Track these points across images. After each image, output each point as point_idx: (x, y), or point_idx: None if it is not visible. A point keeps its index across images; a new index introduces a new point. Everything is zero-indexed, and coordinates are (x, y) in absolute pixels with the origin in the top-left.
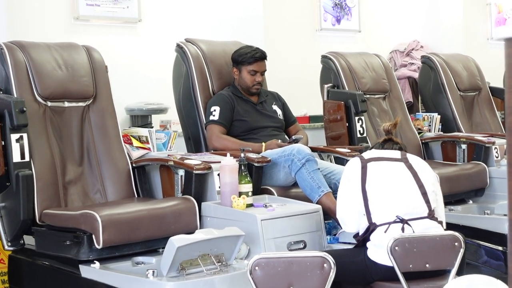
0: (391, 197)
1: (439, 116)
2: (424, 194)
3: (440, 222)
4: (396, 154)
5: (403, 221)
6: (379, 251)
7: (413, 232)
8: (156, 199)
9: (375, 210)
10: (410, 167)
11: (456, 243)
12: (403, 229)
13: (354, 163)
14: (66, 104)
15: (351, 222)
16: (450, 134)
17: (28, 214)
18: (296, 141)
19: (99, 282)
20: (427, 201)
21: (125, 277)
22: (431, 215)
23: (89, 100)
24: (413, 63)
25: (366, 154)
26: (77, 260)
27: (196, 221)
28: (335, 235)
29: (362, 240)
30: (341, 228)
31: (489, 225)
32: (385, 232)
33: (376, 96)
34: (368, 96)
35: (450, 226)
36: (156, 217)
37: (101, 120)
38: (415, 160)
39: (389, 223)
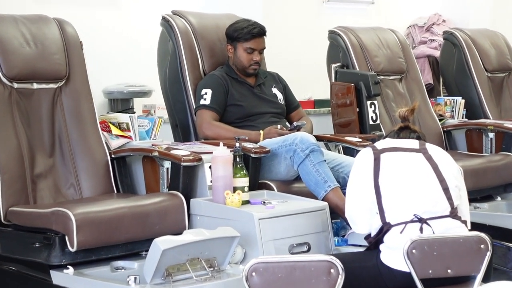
0: (408, 193)
1: (463, 101)
2: (446, 189)
3: (464, 222)
4: (414, 143)
5: (421, 220)
6: (394, 255)
7: (433, 233)
8: (138, 195)
9: (389, 208)
10: (429, 159)
11: (482, 246)
12: (421, 230)
13: (365, 154)
14: (35, 85)
15: (362, 222)
16: (475, 121)
17: None
18: (298, 128)
19: None
20: (449, 198)
21: (103, 284)
22: (454, 214)
23: (61, 81)
24: (433, 40)
25: (379, 144)
26: (48, 265)
27: (184, 220)
28: (343, 236)
29: (375, 242)
30: (351, 228)
31: None
32: (401, 233)
33: (391, 77)
34: (382, 77)
35: (475, 226)
36: (139, 216)
37: (75, 104)
38: (436, 151)
39: (406, 223)
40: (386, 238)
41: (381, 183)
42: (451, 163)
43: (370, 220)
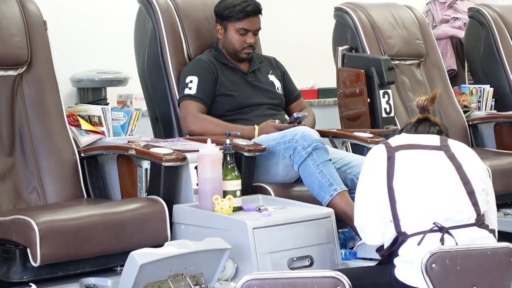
0: (427, 198)
1: (491, 89)
2: (471, 193)
3: (492, 231)
4: (434, 139)
5: (442, 229)
6: (410, 270)
7: (456, 244)
8: (112, 200)
9: (405, 215)
10: (452, 158)
11: None
12: (442, 241)
13: (377, 153)
14: None
15: (373, 232)
16: (506, 113)
17: None
18: (299, 121)
19: None
20: (475, 203)
21: None
22: (480, 222)
23: (22, 68)
24: (457, 18)
25: (394, 140)
26: (7, 282)
27: (165, 230)
28: (352, 248)
29: (388, 255)
30: (360, 239)
31: None
32: (419, 244)
33: (408, 62)
34: (397, 62)
35: (504, 236)
36: (112, 225)
37: (38, 95)
38: (459, 148)
39: (424, 233)
40: (401, 250)
41: (395, 186)
42: (477, 162)
43: (383, 230)
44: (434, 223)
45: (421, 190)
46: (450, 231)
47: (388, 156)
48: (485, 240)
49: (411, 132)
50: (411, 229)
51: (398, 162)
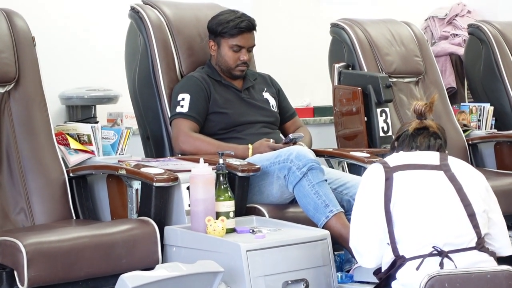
0: (426, 221)
1: (491, 108)
2: (472, 216)
3: (492, 254)
4: (433, 157)
5: (442, 253)
6: None
7: (456, 268)
8: (102, 221)
9: (403, 239)
10: (452, 178)
11: None
12: (441, 265)
13: (374, 173)
14: None
15: (370, 254)
16: (506, 132)
17: None
18: (294, 141)
19: None
20: (476, 226)
21: None
22: (481, 245)
23: (10, 85)
24: (456, 35)
25: (391, 159)
26: None
27: (157, 252)
28: (348, 271)
29: (386, 278)
30: (357, 262)
31: None
32: (417, 268)
33: (406, 79)
34: (395, 79)
35: (504, 259)
36: (102, 247)
37: (26, 113)
38: (460, 167)
39: (423, 257)
40: (399, 274)
41: (393, 209)
42: (479, 181)
43: (380, 252)
44: (433, 247)
45: (420, 213)
46: (450, 255)
47: (386, 177)
48: (486, 263)
49: (408, 142)
50: (409, 252)
51: (397, 184)
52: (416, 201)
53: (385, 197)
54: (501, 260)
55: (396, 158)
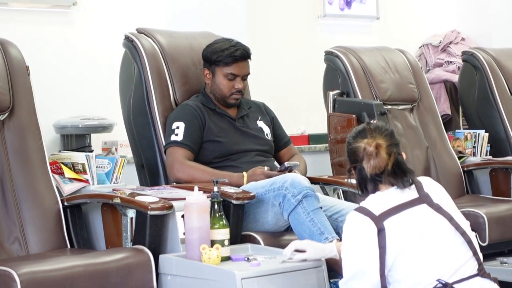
0: (427, 259)
1: (486, 134)
2: (469, 242)
3: (495, 280)
4: (411, 192)
5: (447, 285)
6: None
7: None
8: (96, 250)
9: (405, 280)
10: (439, 209)
11: None
12: None
13: (364, 227)
14: None
15: None
16: (502, 159)
17: None
18: (290, 169)
19: None
20: (475, 252)
21: None
22: (482, 271)
23: (4, 114)
24: (451, 62)
25: (372, 205)
26: None
27: (151, 280)
28: None
29: None
30: None
31: None
32: None
33: (401, 107)
34: (389, 107)
35: (503, 286)
36: (97, 276)
37: (20, 142)
38: (437, 194)
39: None
40: None
41: (390, 257)
42: (454, 204)
43: None
44: (438, 281)
45: (421, 253)
46: (454, 286)
47: (378, 229)
48: None
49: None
50: None
51: (390, 233)
52: (414, 242)
53: (381, 249)
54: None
55: (376, 203)
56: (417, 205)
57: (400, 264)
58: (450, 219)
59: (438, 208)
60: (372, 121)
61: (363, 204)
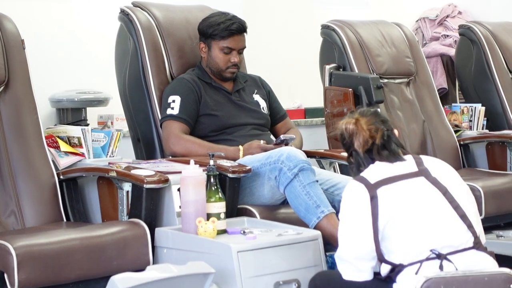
0: (420, 229)
1: (483, 108)
2: (464, 216)
3: (491, 254)
4: (410, 164)
5: (440, 256)
6: None
7: (456, 269)
8: (92, 224)
9: (399, 250)
10: (435, 182)
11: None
12: (441, 267)
13: (358, 194)
14: None
15: (364, 270)
16: (498, 132)
17: None
18: (285, 142)
19: None
20: (470, 226)
21: None
22: (478, 244)
23: None
24: (448, 36)
25: (370, 174)
26: None
27: (147, 254)
28: None
29: (385, 281)
30: None
31: None
32: (417, 273)
33: (397, 80)
34: (386, 80)
35: (499, 259)
36: (93, 249)
37: (16, 115)
38: (438, 169)
39: (421, 262)
40: (399, 278)
41: (383, 226)
42: (459, 180)
43: (365, 267)
44: (431, 251)
45: (413, 223)
46: (449, 257)
47: (370, 196)
48: (485, 263)
49: (367, 165)
50: (407, 260)
51: (382, 201)
52: (406, 212)
53: (373, 217)
54: (500, 262)
55: (374, 172)
56: (414, 177)
57: (393, 235)
58: (445, 192)
59: (434, 182)
60: None
61: (362, 173)
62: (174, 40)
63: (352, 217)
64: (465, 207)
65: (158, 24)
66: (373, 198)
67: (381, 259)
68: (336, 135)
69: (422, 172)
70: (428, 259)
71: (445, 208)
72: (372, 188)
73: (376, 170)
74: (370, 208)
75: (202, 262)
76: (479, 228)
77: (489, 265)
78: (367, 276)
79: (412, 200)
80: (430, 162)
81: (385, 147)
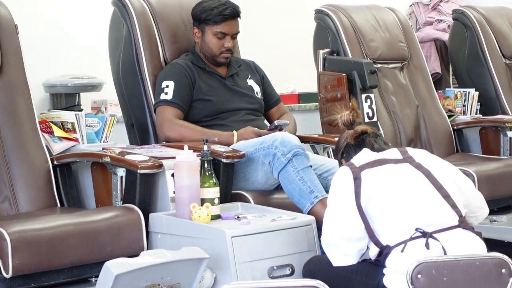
0: (404, 209)
1: (476, 93)
2: (447, 197)
3: (479, 234)
4: (395, 153)
5: (425, 234)
6: (399, 279)
7: (442, 248)
8: (86, 209)
9: (384, 231)
10: (419, 166)
11: (503, 270)
12: (427, 245)
13: (343, 175)
14: None
15: (350, 253)
16: (491, 117)
17: None
18: (279, 128)
19: None
20: (454, 205)
21: None
22: (464, 223)
23: None
24: (441, 21)
25: (357, 159)
26: None
27: (141, 239)
28: None
29: (376, 266)
30: None
31: None
32: (402, 251)
33: (391, 65)
34: (379, 65)
35: (492, 244)
36: (87, 235)
37: (9, 100)
38: (422, 156)
39: (406, 241)
40: (388, 262)
41: (366, 206)
42: (444, 164)
43: (351, 251)
44: (416, 229)
45: (396, 203)
46: (434, 235)
47: (354, 177)
48: (472, 242)
49: (352, 152)
50: (393, 240)
51: (365, 181)
52: (389, 193)
53: (355, 195)
54: (494, 247)
55: (361, 158)
56: (398, 163)
57: (377, 215)
58: (428, 175)
59: (417, 166)
60: None
61: (351, 160)
62: (168, 25)
63: (337, 197)
64: (449, 188)
65: (152, 9)
66: (356, 179)
67: (371, 237)
68: (330, 120)
69: (406, 159)
70: (413, 238)
71: (428, 189)
72: (357, 171)
73: (363, 156)
74: (354, 187)
75: (196, 248)
76: (465, 209)
77: (476, 245)
78: (353, 260)
79: (395, 181)
80: (414, 151)
81: (376, 135)
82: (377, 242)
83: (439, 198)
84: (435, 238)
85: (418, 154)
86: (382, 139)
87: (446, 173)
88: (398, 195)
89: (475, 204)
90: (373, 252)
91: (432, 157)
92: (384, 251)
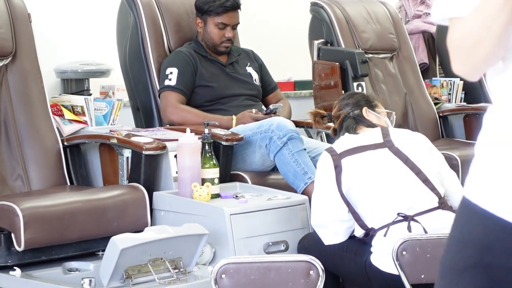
0: (385, 194)
1: (461, 82)
2: (426, 181)
3: None
4: (376, 135)
5: (407, 218)
6: (384, 257)
7: (424, 230)
8: (94, 187)
9: (368, 215)
10: (397, 152)
11: None
12: (409, 228)
13: (324, 162)
14: None
15: (328, 231)
16: (475, 105)
17: None
18: (274, 111)
19: None
20: (433, 188)
21: (54, 287)
22: (444, 204)
23: (7, 59)
24: (429, 14)
25: (339, 145)
26: None
27: (146, 216)
28: None
29: (365, 245)
30: None
31: None
32: (385, 235)
33: (381, 55)
34: (370, 55)
35: None
36: (94, 211)
37: (22, 85)
38: (402, 139)
39: (389, 225)
40: (374, 242)
41: (348, 192)
42: (421, 145)
43: (339, 230)
44: (398, 214)
45: (376, 189)
46: (416, 218)
47: (335, 165)
48: (452, 222)
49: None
50: (377, 223)
51: (345, 169)
52: (369, 180)
53: (337, 182)
54: None
55: (342, 143)
56: (377, 148)
57: (359, 201)
58: (406, 161)
59: (396, 151)
60: None
61: (333, 144)
62: (172, 16)
63: (321, 183)
64: (428, 172)
65: (157, 0)
66: (337, 167)
67: (357, 220)
68: (324, 106)
69: (386, 143)
70: (395, 222)
71: (406, 175)
72: (337, 158)
73: (345, 141)
74: (335, 174)
75: (196, 224)
76: (443, 190)
77: None
78: (343, 237)
79: (374, 169)
80: (396, 134)
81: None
82: (363, 225)
83: (418, 182)
84: (416, 221)
85: (399, 137)
86: (366, 123)
87: (424, 156)
88: (378, 182)
89: (449, 185)
90: (359, 232)
91: (412, 140)
92: (370, 232)
